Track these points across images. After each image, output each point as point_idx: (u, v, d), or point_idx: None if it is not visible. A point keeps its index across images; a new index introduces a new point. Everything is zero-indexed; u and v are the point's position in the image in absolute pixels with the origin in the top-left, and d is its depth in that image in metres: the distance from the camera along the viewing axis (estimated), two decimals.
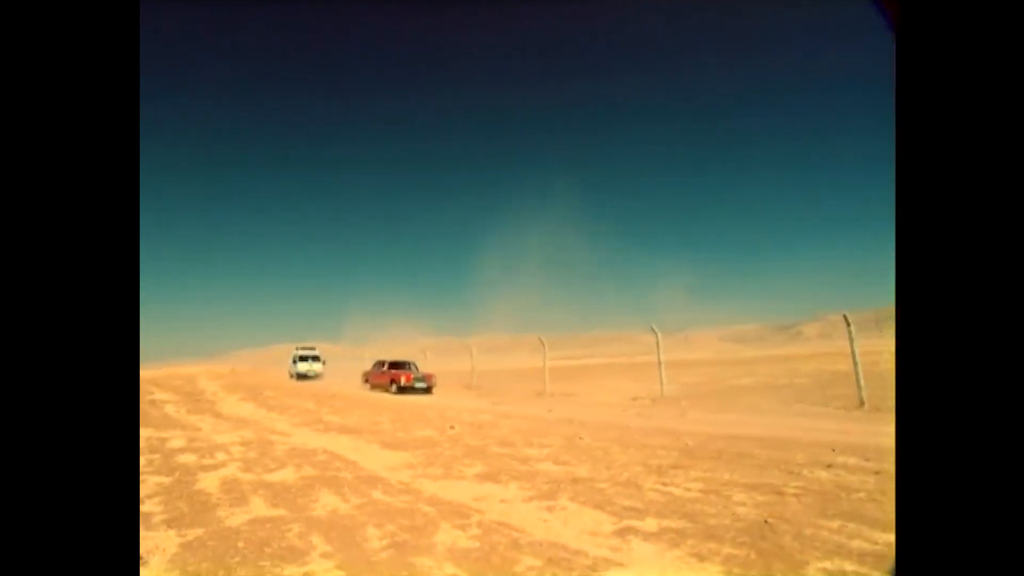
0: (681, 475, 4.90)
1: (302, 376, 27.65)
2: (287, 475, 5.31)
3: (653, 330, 13.50)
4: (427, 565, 2.94)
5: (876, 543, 3.04)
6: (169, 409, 11.70)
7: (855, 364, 9.38)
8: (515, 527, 3.57)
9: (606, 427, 8.49)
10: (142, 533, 3.50)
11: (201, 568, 2.99)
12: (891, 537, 3.12)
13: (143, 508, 4.12)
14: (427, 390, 17.95)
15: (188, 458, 6.25)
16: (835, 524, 3.39)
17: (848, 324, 9.82)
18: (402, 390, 17.66)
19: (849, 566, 2.76)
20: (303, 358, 29.28)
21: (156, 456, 6.33)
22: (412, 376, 18.26)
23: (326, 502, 4.28)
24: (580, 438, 7.28)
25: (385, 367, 19.66)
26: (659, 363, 13.01)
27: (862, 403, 9.10)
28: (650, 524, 3.56)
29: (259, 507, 4.17)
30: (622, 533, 3.41)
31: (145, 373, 19.95)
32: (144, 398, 13.83)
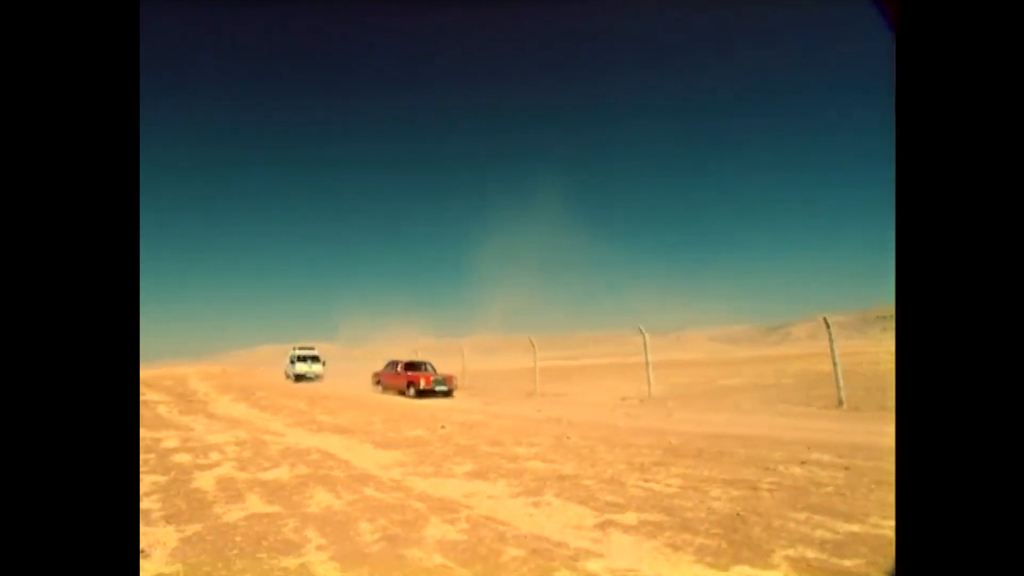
0: (663, 472, 5.10)
1: (301, 377, 26.22)
2: (281, 473, 5.45)
3: (641, 331, 13.76)
4: (417, 556, 3.11)
5: (837, 532, 3.26)
6: (161, 410, 11.75)
7: (835, 365, 9.68)
8: (502, 521, 3.74)
9: (594, 426, 8.71)
10: (142, 529, 3.64)
11: (201, 560, 3.14)
12: (851, 527, 3.35)
13: (141, 506, 4.25)
14: (448, 393, 16.58)
15: (183, 458, 6.36)
16: (802, 516, 3.60)
17: (828, 327, 10.12)
18: (421, 393, 16.18)
19: (810, 553, 2.97)
20: (302, 358, 27.59)
21: (151, 456, 6.43)
22: (432, 378, 16.75)
23: (320, 499, 4.43)
24: (568, 437, 7.48)
25: (400, 368, 18.08)
26: (646, 364, 13.27)
27: (841, 403, 9.40)
28: (630, 518, 3.75)
29: (255, 504, 4.32)
30: (603, 526, 3.60)
31: None
32: None
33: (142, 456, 6.39)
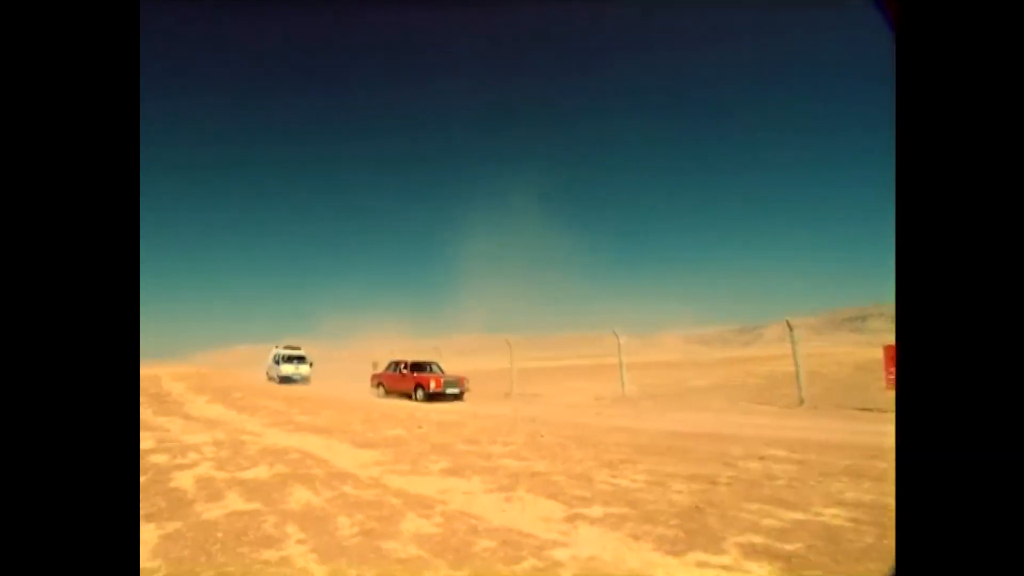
0: (630, 468, 5.36)
1: (286, 379, 24.63)
2: (260, 472, 5.55)
3: (615, 334, 14.12)
4: (393, 547, 3.29)
5: (783, 520, 3.55)
6: None
7: (796, 366, 10.15)
8: (475, 515, 3.94)
9: (567, 426, 8.97)
10: None
11: (183, 555, 3.25)
12: (796, 515, 3.65)
13: None
14: (459, 396, 15.47)
15: (160, 458, 6.38)
16: (754, 507, 3.89)
17: (791, 329, 10.59)
18: (431, 397, 15.06)
19: (757, 539, 3.24)
20: (288, 359, 25.97)
21: None
22: (443, 380, 15.60)
23: (299, 496, 4.56)
24: (541, 436, 7.71)
25: (404, 369, 16.89)
26: (620, 365, 13.64)
27: (801, 402, 9.88)
28: (596, 511, 3.98)
29: (235, 502, 4.42)
30: (571, 519, 3.82)
31: None
32: None
33: None
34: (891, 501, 3.84)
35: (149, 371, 24.55)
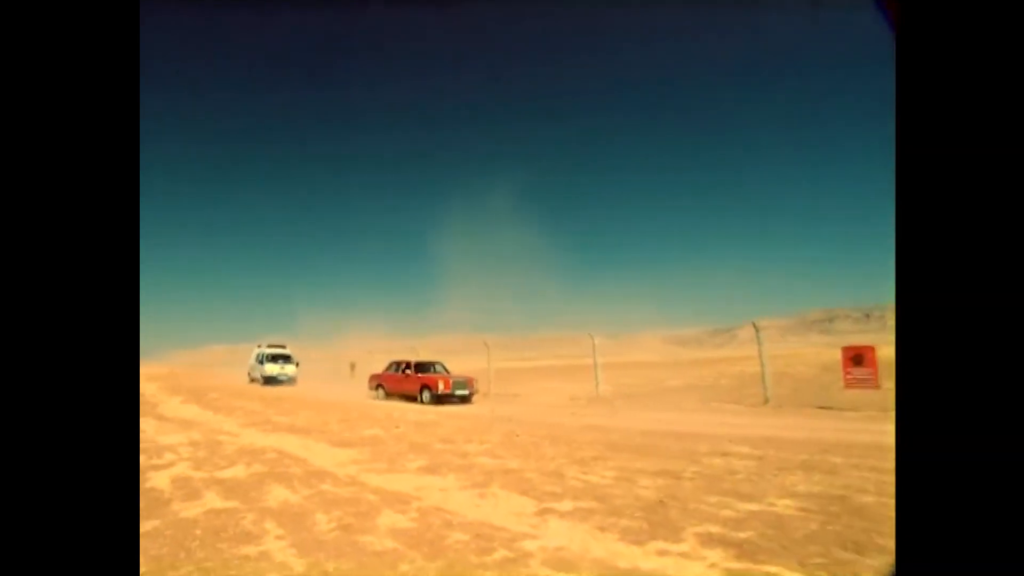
0: (600, 465, 5.57)
1: (271, 380, 23.37)
2: (238, 472, 5.60)
3: (590, 336, 14.42)
4: (370, 541, 3.42)
5: (739, 511, 3.80)
6: None
7: (762, 367, 10.55)
8: (449, 511, 4.09)
9: (542, 425, 9.18)
10: None
11: (162, 552, 3.33)
12: (751, 506, 3.89)
13: None
14: (467, 398, 14.81)
15: None
16: (714, 500, 4.13)
17: (757, 331, 11.00)
18: (439, 399, 14.29)
19: (714, 529, 3.47)
20: (272, 358, 24.45)
21: None
22: (452, 381, 14.83)
23: (277, 494, 4.65)
24: (516, 435, 7.89)
25: (408, 370, 16.00)
26: (595, 366, 13.94)
27: (767, 401, 10.29)
28: (566, 505, 4.17)
29: (213, 500, 4.49)
30: (541, 513, 4.00)
31: None
32: None
33: None
34: (838, 492, 4.15)
35: None
